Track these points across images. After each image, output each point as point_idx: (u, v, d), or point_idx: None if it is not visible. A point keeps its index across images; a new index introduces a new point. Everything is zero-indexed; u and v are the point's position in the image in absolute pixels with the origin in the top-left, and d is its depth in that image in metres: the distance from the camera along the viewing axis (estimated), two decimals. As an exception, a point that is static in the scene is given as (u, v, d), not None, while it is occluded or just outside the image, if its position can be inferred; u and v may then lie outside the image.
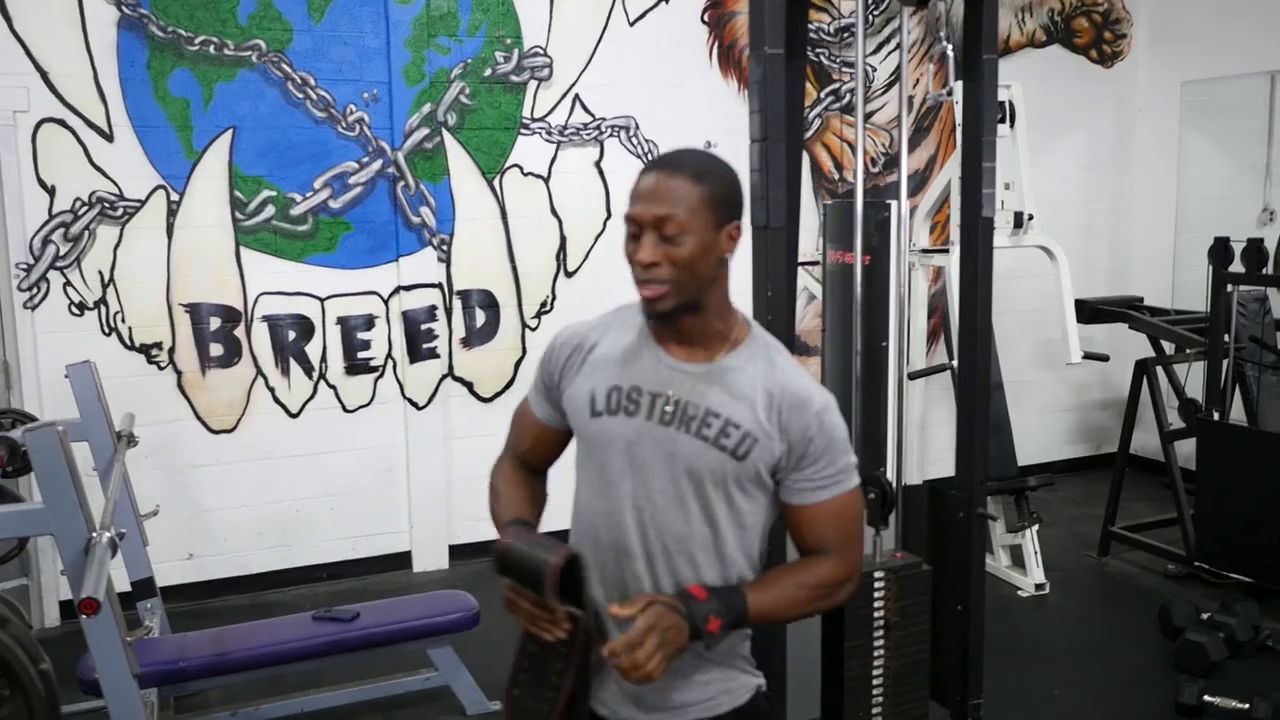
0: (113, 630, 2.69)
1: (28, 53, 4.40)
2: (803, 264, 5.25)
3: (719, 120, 5.42)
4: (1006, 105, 4.78)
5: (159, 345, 4.74)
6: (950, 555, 2.80)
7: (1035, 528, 4.82)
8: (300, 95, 4.81)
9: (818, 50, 5.70)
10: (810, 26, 5.50)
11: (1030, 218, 4.80)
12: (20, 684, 2.29)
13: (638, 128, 5.41)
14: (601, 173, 5.38)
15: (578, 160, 5.34)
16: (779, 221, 2.44)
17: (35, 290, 4.51)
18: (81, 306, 4.60)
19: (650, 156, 5.39)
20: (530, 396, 1.93)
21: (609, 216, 5.38)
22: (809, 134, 5.77)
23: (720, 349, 1.73)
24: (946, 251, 4.97)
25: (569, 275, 5.38)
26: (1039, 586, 4.78)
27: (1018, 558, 4.93)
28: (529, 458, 1.94)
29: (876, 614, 2.55)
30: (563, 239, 5.34)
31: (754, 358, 1.73)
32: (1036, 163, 5.26)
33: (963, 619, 2.78)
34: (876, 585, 2.55)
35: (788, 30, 2.46)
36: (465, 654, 3.69)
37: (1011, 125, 4.80)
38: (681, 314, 1.69)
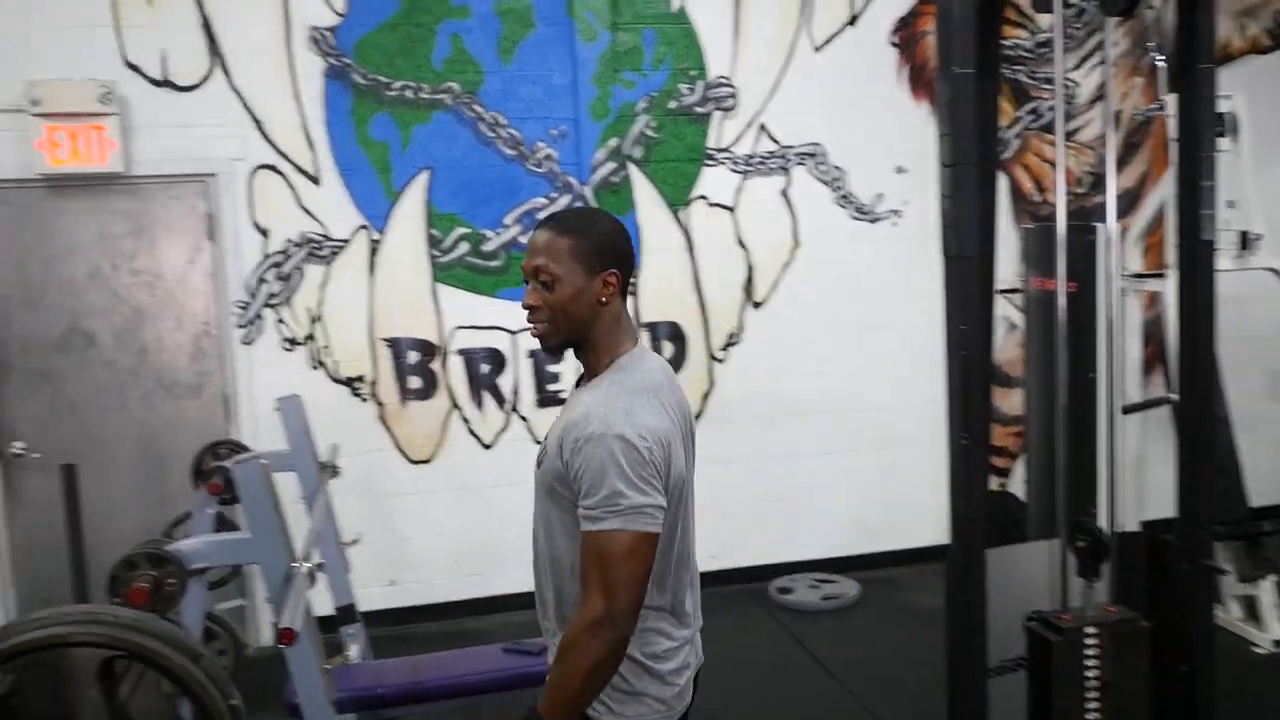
0: (310, 658, 2.78)
1: (244, 104, 4.71)
2: (1002, 292, 5.01)
3: (909, 144, 5.24)
4: (1227, 117, 4.44)
5: (361, 378, 4.95)
6: (1173, 610, 2.56)
7: (1273, 577, 4.40)
8: (491, 134, 4.96)
9: (1015, 67, 5.44)
10: (1006, 43, 5.26)
11: (1258, 237, 4.45)
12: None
13: (825, 155, 5.30)
14: (789, 201, 5.29)
15: (764, 189, 5.27)
16: (971, 250, 2.31)
17: (251, 326, 4.80)
18: (292, 341, 4.86)
19: (837, 184, 5.28)
20: None
21: (797, 246, 5.28)
22: (1007, 155, 5.50)
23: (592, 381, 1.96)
24: (1162, 276, 4.64)
25: (756, 306, 5.29)
26: (1278, 643, 4.35)
27: (1252, 610, 4.50)
28: None
29: (1089, 674, 2.34)
30: (750, 270, 5.27)
31: (594, 388, 1.91)
32: (1264, 177, 4.83)
33: (1189, 681, 2.53)
34: (1088, 642, 2.35)
35: (978, 49, 2.34)
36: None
37: (1234, 139, 4.45)
38: (574, 350, 1.96)
